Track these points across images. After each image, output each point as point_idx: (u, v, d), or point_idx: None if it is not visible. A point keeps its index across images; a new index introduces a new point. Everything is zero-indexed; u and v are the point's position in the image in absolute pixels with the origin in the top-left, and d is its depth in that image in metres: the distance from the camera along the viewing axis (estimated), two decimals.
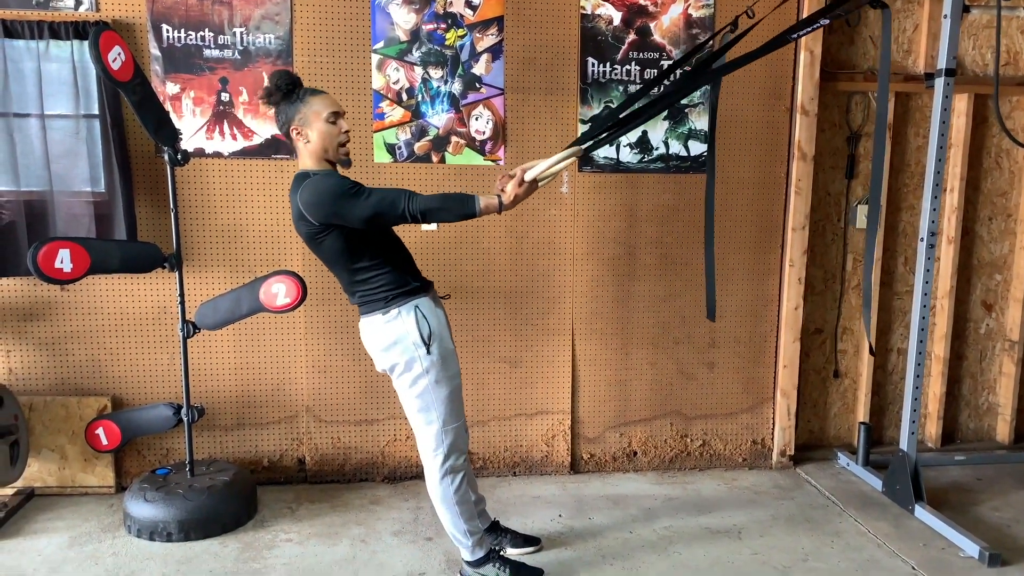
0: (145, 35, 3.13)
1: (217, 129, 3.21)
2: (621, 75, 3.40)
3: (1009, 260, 3.93)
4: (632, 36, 3.38)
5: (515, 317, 3.52)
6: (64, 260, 2.66)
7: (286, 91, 2.38)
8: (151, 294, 3.29)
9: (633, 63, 3.39)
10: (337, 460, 3.50)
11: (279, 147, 3.26)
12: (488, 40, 3.31)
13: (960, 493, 3.44)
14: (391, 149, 3.33)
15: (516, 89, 3.35)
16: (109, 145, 3.09)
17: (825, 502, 3.37)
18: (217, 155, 3.23)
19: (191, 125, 3.19)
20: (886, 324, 3.89)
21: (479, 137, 3.36)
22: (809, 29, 2.55)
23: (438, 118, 3.33)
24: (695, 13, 3.40)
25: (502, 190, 2.36)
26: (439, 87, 3.31)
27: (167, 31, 3.13)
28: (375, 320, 2.46)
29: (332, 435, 3.49)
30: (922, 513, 3.16)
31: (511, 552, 2.82)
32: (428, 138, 3.34)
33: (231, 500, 3.05)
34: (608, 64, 3.39)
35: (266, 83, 2.37)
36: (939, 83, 3.06)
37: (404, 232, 3.30)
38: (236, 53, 3.18)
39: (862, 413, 3.88)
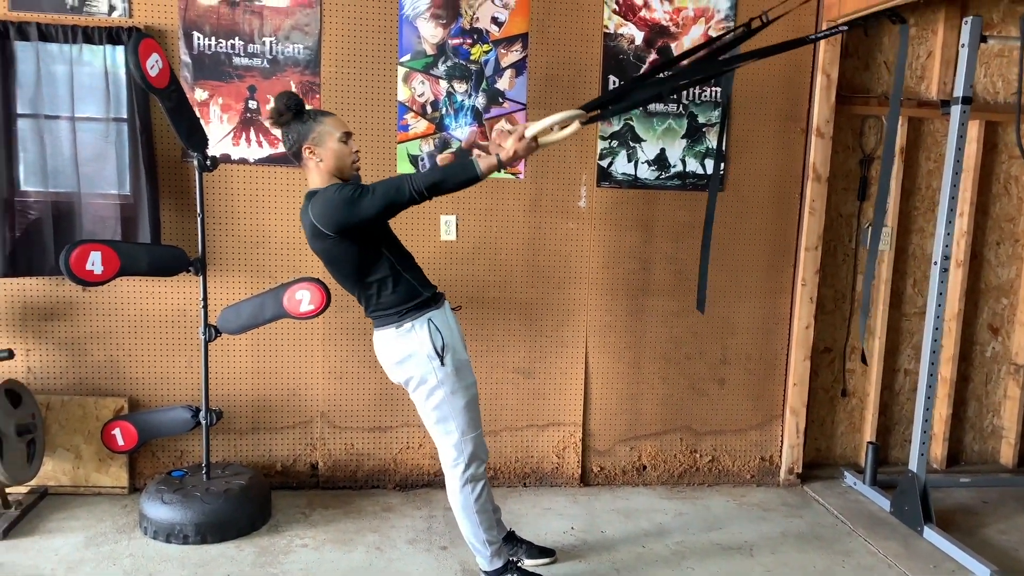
0: (176, 42, 3.18)
1: (243, 136, 3.25)
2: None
3: (1016, 285, 3.99)
4: (653, 56, 3.44)
5: (529, 328, 3.55)
6: (95, 262, 2.69)
7: (296, 111, 2.42)
8: (171, 297, 3.32)
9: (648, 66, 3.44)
10: (350, 466, 3.52)
11: None
12: (512, 56, 3.37)
13: (967, 515, 3.48)
14: (414, 160, 3.37)
15: (538, 104, 3.41)
16: (137, 149, 3.13)
17: (834, 521, 3.40)
18: (243, 161, 3.27)
19: (218, 131, 3.23)
20: (894, 345, 3.94)
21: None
22: (829, 33, 2.60)
23: (461, 131, 3.38)
24: (715, 34, 3.46)
25: (500, 146, 2.36)
26: (463, 101, 3.36)
27: (198, 38, 3.18)
28: (388, 334, 2.49)
29: (346, 441, 3.51)
30: (931, 534, 3.19)
31: (527, 563, 2.84)
32: (451, 150, 3.39)
33: (247, 504, 3.07)
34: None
35: (272, 105, 2.40)
36: (955, 110, 3.12)
37: (422, 241, 3.36)
38: (265, 62, 3.23)
39: (869, 433, 3.92)
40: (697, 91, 3.49)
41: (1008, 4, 3.71)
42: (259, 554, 2.89)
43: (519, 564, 2.74)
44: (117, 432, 3.15)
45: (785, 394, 3.77)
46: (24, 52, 3.05)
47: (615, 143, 3.48)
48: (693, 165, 3.54)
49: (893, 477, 3.64)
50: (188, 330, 3.35)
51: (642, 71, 3.43)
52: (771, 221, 3.65)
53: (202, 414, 3.13)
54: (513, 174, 3.45)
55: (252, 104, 3.24)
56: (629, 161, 3.50)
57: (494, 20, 3.34)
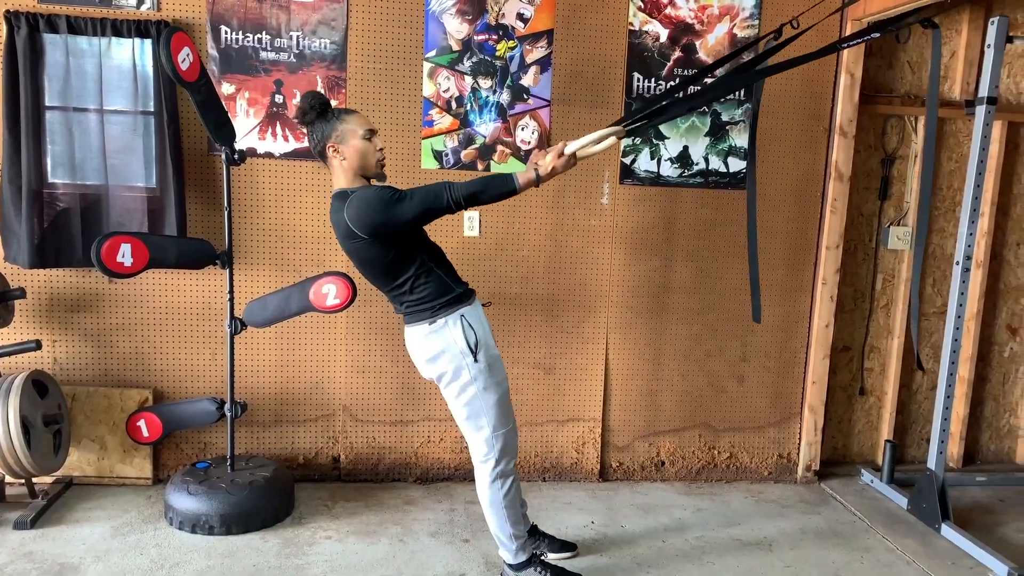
0: (204, 35, 3.19)
1: (269, 130, 3.27)
2: (666, 89, 3.46)
3: None
4: (678, 53, 3.45)
5: (551, 324, 3.57)
6: (125, 254, 2.71)
7: (320, 110, 2.44)
8: (196, 290, 3.34)
9: (678, 79, 3.46)
10: (371, 459, 3.54)
11: None
12: (537, 52, 3.38)
13: (983, 513, 3.49)
14: (438, 156, 3.39)
15: (562, 101, 3.42)
16: (164, 141, 3.15)
17: (852, 518, 3.42)
18: (268, 155, 3.29)
19: (244, 125, 3.25)
20: (912, 344, 3.95)
21: (524, 147, 3.42)
22: (859, 40, 2.60)
23: (485, 127, 3.39)
24: (740, 32, 3.47)
25: (537, 164, 2.37)
26: (488, 97, 3.37)
27: (225, 32, 3.19)
28: (421, 330, 2.50)
29: (367, 435, 3.53)
30: (949, 532, 3.21)
31: (549, 557, 2.86)
32: (475, 146, 3.40)
33: (271, 496, 3.09)
34: (653, 80, 3.45)
35: (297, 103, 2.42)
36: (980, 111, 3.12)
37: (445, 237, 3.37)
38: (292, 56, 3.24)
39: (886, 431, 3.93)
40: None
41: None
42: (283, 545, 2.92)
43: (542, 557, 2.76)
44: (142, 423, 3.18)
45: (804, 392, 3.78)
46: (53, 45, 3.07)
47: (638, 140, 3.48)
48: (716, 163, 3.55)
49: (910, 475, 3.66)
50: (213, 323, 3.37)
51: (667, 76, 3.44)
52: (792, 219, 3.66)
53: (227, 406, 3.16)
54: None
55: (278, 98, 3.25)
56: (652, 158, 3.50)
57: (519, 16, 3.35)
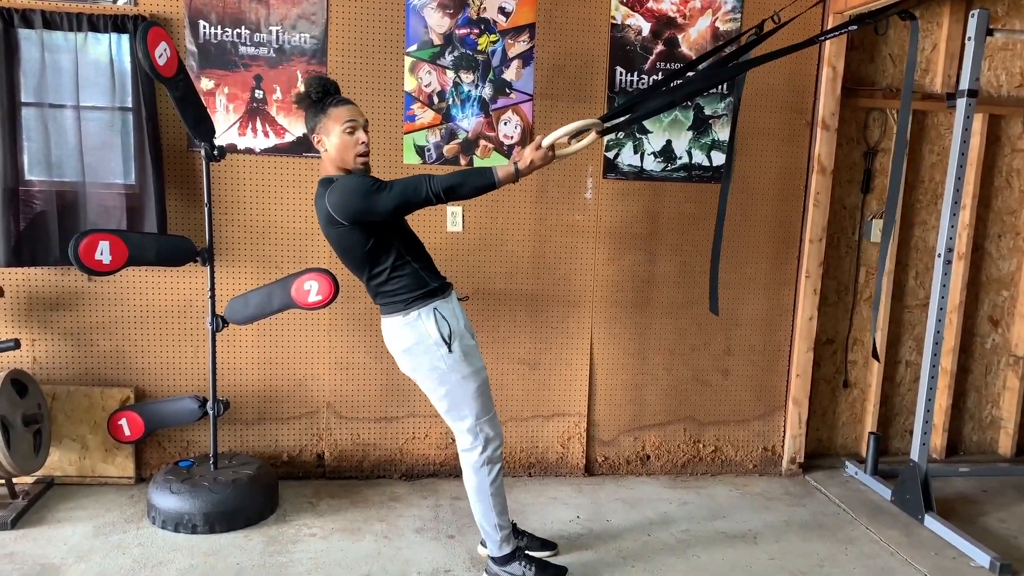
0: (182, 30, 3.15)
1: (250, 126, 3.24)
2: (648, 85, 3.45)
3: (1016, 277, 4.02)
4: (660, 47, 3.44)
5: (535, 320, 3.56)
6: (104, 252, 2.68)
7: (314, 99, 2.44)
8: (177, 287, 3.31)
9: (660, 73, 3.45)
10: (356, 456, 3.53)
11: (310, 145, 3.29)
12: (519, 46, 3.36)
13: (966, 504, 3.52)
14: (420, 151, 3.37)
15: (545, 95, 3.40)
16: (143, 138, 3.11)
17: (836, 510, 3.43)
18: (249, 151, 3.26)
19: (224, 121, 3.22)
20: (895, 336, 3.97)
21: (507, 142, 3.41)
22: (839, 32, 2.61)
23: (468, 122, 3.37)
24: (722, 26, 3.46)
25: (517, 156, 2.39)
26: (470, 91, 3.36)
27: (204, 27, 3.16)
28: (395, 322, 2.51)
29: (352, 431, 3.52)
30: (932, 523, 3.23)
31: (532, 555, 2.85)
32: (457, 141, 3.38)
33: (255, 494, 3.07)
34: (636, 74, 3.44)
35: (300, 86, 2.42)
36: (961, 103, 3.13)
37: (428, 232, 3.36)
38: (271, 51, 3.21)
39: (870, 423, 3.95)
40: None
41: None
42: (268, 543, 2.91)
43: (526, 552, 2.76)
44: (123, 422, 3.16)
45: (788, 385, 3.80)
46: (28, 40, 3.03)
47: (621, 135, 3.48)
48: (699, 157, 3.55)
49: (894, 467, 3.68)
50: (194, 320, 3.34)
51: (649, 70, 3.43)
52: (775, 213, 3.66)
53: (209, 404, 3.14)
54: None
55: (258, 94, 3.23)
56: (635, 153, 3.50)
57: (501, 10, 3.33)
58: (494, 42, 3.35)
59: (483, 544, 2.78)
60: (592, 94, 3.43)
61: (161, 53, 2.61)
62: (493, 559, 2.67)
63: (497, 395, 3.56)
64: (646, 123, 3.48)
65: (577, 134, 2.42)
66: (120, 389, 3.33)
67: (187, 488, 2.98)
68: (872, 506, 3.46)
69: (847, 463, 3.85)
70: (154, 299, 3.31)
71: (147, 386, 3.37)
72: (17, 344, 3.07)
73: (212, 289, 3.06)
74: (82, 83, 3.07)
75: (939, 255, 3.27)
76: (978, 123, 3.79)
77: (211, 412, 3.14)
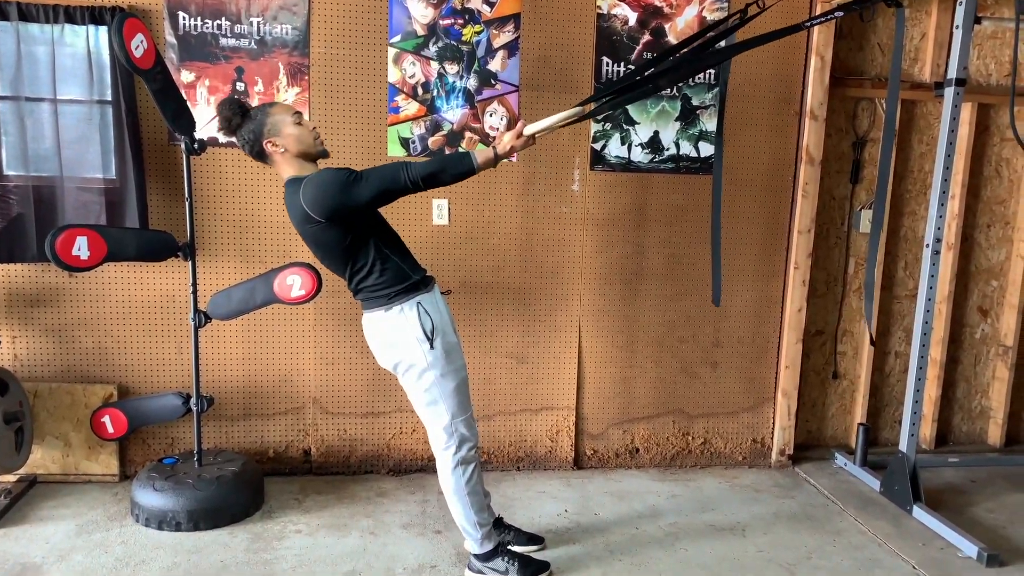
0: (161, 22, 3.11)
1: None
2: (628, 72, 3.41)
3: (1005, 267, 4.01)
4: (647, 37, 3.41)
5: (523, 313, 3.54)
6: (81, 247, 2.64)
7: (243, 113, 2.41)
8: (159, 282, 3.27)
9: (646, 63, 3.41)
10: (343, 452, 3.51)
11: None
12: (504, 37, 3.32)
13: (955, 495, 3.52)
14: (405, 143, 3.33)
15: (531, 86, 3.37)
16: (122, 132, 3.07)
17: (825, 501, 3.43)
18: (231, 145, 3.22)
19: (205, 114, 3.17)
20: (884, 327, 3.96)
21: (493, 133, 3.37)
22: (824, 19, 2.57)
23: (453, 113, 3.34)
24: (709, 15, 3.43)
25: (498, 141, 2.39)
26: (454, 82, 3.32)
27: (183, 18, 3.11)
28: (377, 317, 2.48)
29: (338, 427, 3.49)
30: (920, 514, 3.22)
31: (516, 550, 2.83)
32: (442, 133, 3.35)
33: (240, 490, 3.05)
34: (622, 64, 3.41)
35: (217, 115, 2.41)
36: (948, 92, 3.11)
37: (414, 225, 3.33)
38: (253, 43, 3.17)
39: (860, 414, 3.94)
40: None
41: None
42: (252, 540, 2.88)
43: (508, 547, 2.74)
44: (107, 419, 3.12)
45: (777, 377, 3.78)
46: (3, 32, 2.98)
47: (608, 126, 3.45)
48: (687, 148, 3.52)
49: (883, 458, 3.68)
50: (177, 316, 3.31)
51: (636, 60, 3.40)
52: (764, 204, 3.64)
53: (193, 400, 3.10)
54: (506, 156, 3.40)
55: (240, 86, 3.18)
56: (623, 144, 3.47)
57: (486, 0, 3.29)
58: (479, 32, 3.31)
59: None
60: (578, 85, 3.40)
61: (138, 45, 2.57)
62: (475, 556, 2.66)
63: (485, 389, 3.54)
64: (633, 114, 3.45)
65: (562, 126, 2.40)
66: (103, 386, 3.30)
67: (171, 486, 2.95)
68: (861, 497, 3.46)
69: (836, 454, 3.84)
70: (136, 295, 3.27)
71: (130, 382, 3.34)
72: None
73: (194, 284, 3.03)
74: (59, 76, 3.02)
75: (927, 245, 3.25)
76: (967, 112, 3.76)
77: (195, 408, 3.11)
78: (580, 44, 3.39)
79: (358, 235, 2.39)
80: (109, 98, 3.08)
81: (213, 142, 3.20)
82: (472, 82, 3.33)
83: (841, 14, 2.50)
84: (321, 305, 3.38)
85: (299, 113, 2.45)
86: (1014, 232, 3.96)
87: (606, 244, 3.55)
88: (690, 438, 3.77)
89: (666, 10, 3.40)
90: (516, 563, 2.65)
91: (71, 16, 2.98)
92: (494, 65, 3.34)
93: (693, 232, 3.60)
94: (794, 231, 3.65)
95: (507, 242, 3.47)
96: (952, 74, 3.09)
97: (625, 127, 3.46)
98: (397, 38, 3.26)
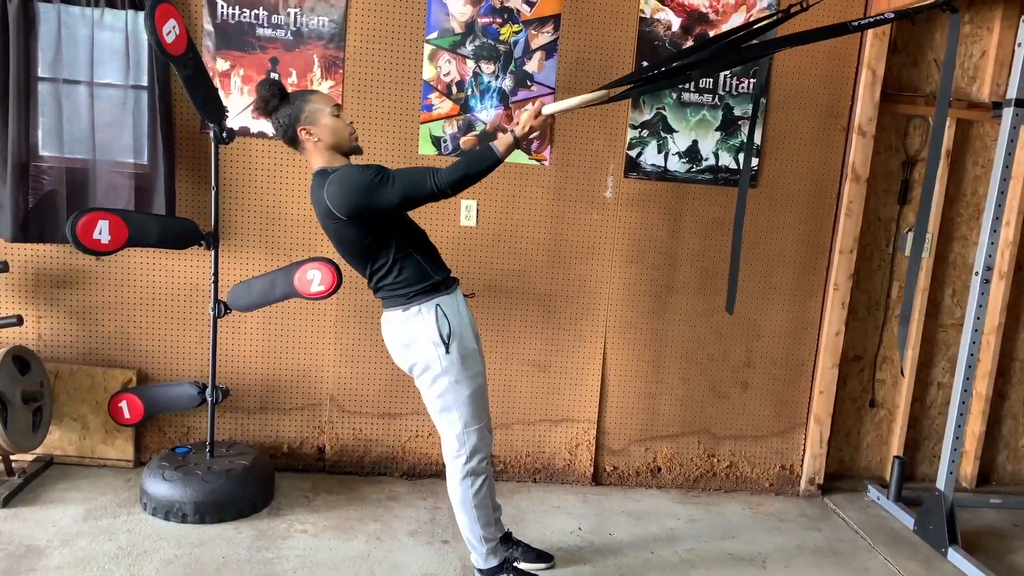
0: (200, 9, 3.10)
1: None
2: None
3: None
4: (690, 43, 3.30)
5: (547, 321, 3.45)
6: (103, 231, 2.63)
7: (282, 95, 2.36)
8: (184, 270, 3.26)
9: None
10: (357, 452, 3.45)
11: None
12: (543, 38, 3.25)
13: (995, 538, 3.32)
14: (436, 142, 3.27)
15: (568, 89, 3.28)
16: (155, 118, 3.07)
17: (853, 536, 3.26)
18: (262, 135, 3.20)
19: (238, 103, 3.16)
20: (928, 357, 3.77)
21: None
22: (872, 21, 2.42)
23: (486, 113, 3.27)
24: None
25: (516, 122, 2.35)
26: (490, 82, 3.25)
27: (222, 7, 3.10)
28: (395, 316, 2.42)
29: (354, 426, 3.44)
30: (955, 557, 3.04)
31: (523, 567, 2.73)
32: (474, 133, 3.28)
33: (249, 485, 3.01)
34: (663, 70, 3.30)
35: (257, 95, 2.37)
36: (1007, 113, 2.94)
37: (441, 225, 3.27)
38: (288, 34, 3.14)
39: (896, 446, 3.76)
40: (734, 82, 3.34)
41: None
42: (257, 537, 2.84)
43: (516, 565, 2.65)
44: (124, 405, 3.11)
45: (810, 402, 3.63)
46: (47, 14, 3.00)
47: (645, 133, 3.34)
48: (726, 159, 3.40)
49: (919, 494, 3.50)
50: (199, 305, 3.29)
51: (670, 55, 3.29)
52: (805, 221, 3.50)
53: (208, 391, 3.08)
54: (538, 160, 3.33)
55: (274, 76, 3.16)
56: (659, 152, 3.36)
57: (526, 0, 3.22)
58: (517, 32, 3.24)
59: None
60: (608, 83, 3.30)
61: (170, 31, 2.55)
62: (480, 571, 2.57)
63: (505, 397, 3.45)
64: (672, 122, 3.34)
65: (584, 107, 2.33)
66: (123, 371, 3.29)
67: (180, 476, 2.92)
68: (892, 534, 3.28)
69: (869, 487, 3.67)
70: (160, 281, 3.27)
71: (150, 369, 3.33)
72: (20, 320, 3.04)
73: (216, 274, 3.00)
74: (97, 59, 3.03)
75: (976, 273, 3.08)
76: None
77: (209, 399, 3.08)
78: (620, 48, 3.29)
79: (380, 234, 2.34)
80: (145, 83, 3.08)
81: (244, 131, 3.18)
82: (508, 83, 3.26)
83: (893, 17, 2.36)
84: (343, 301, 3.33)
85: (338, 105, 2.40)
86: None
87: (637, 254, 3.44)
88: (715, 460, 3.63)
89: (711, 16, 3.29)
90: None
91: (111, 0, 2.99)
92: (531, 66, 3.26)
93: (728, 246, 3.46)
94: (835, 250, 3.50)
95: (535, 247, 3.39)
96: (1012, 94, 2.92)
97: (663, 135, 3.36)
98: (434, 35, 3.21)
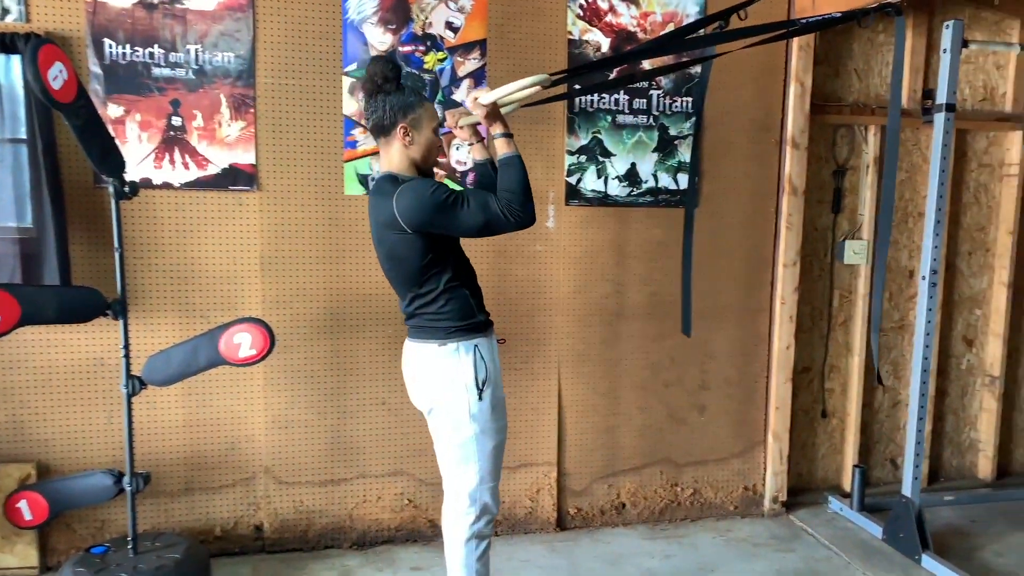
0: (84, 50, 2.75)
1: (167, 157, 2.85)
2: (609, 104, 3.21)
3: (987, 295, 3.90)
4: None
5: None
6: None
7: (398, 81, 2.18)
8: (85, 344, 2.87)
9: (622, 92, 3.20)
10: (300, 526, 3.12)
11: (237, 177, 2.91)
12: (470, 64, 3.07)
13: (959, 537, 3.33)
14: (363, 180, 3.03)
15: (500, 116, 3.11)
16: (39, 174, 2.69)
17: (827, 554, 3.20)
18: (166, 186, 2.87)
19: (137, 152, 2.82)
20: (871, 361, 3.79)
21: (460, 168, 3.10)
22: (818, 20, 2.38)
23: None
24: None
25: (494, 128, 2.23)
26: None
27: (110, 46, 2.76)
28: (428, 350, 2.21)
29: (294, 498, 3.12)
30: (930, 563, 3.02)
31: None
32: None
33: None
34: (596, 93, 3.19)
35: (373, 70, 2.16)
36: (939, 118, 2.98)
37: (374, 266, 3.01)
38: (190, 72, 2.83)
39: (851, 454, 3.75)
40: (667, 101, 3.26)
41: (973, 10, 3.62)
42: None
43: None
44: (23, 504, 2.69)
45: (767, 419, 3.57)
46: None
47: (583, 158, 3.21)
48: (666, 180, 3.31)
49: (879, 499, 3.50)
50: (107, 381, 2.90)
51: (599, 59, 3.18)
52: (747, 237, 3.45)
53: (126, 479, 2.70)
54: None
55: (176, 120, 2.84)
56: (599, 177, 3.24)
57: (449, 25, 3.04)
58: (442, 60, 3.05)
59: None
60: (550, 116, 3.16)
61: (56, 75, 2.21)
62: None
63: None
64: (609, 146, 3.23)
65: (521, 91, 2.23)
66: (19, 465, 2.86)
67: None
68: (864, 546, 3.24)
69: (831, 498, 3.63)
70: (58, 359, 2.86)
71: (52, 460, 2.91)
72: None
73: (126, 346, 2.64)
74: None
75: (924, 277, 3.09)
76: None
77: (128, 488, 2.70)
78: (550, 71, 3.14)
79: (438, 257, 2.16)
80: (23, 136, 2.70)
81: (146, 183, 2.84)
82: None
83: (839, 16, 2.31)
84: (272, 362, 3.02)
85: (441, 125, 2.29)
86: (995, 259, 3.87)
87: (584, 283, 3.29)
88: (679, 489, 3.51)
89: (640, 35, 3.21)
90: None
91: None
92: (459, 95, 3.07)
93: (674, 268, 3.37)
94: (779, 264, 3.46)
95: (479, 283, 3.17)
96: (942, 99, 2.96)
97: (601, 159, 3.23)
98: (353, 66, 2.98)
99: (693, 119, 3.29)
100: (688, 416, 3.49)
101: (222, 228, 2.94)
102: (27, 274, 2.72)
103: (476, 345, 2.22)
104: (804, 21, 2.35)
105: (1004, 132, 3.76)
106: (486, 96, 2.21)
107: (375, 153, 3.02)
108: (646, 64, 3.07)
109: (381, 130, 2.19)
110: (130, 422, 2.68)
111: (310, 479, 3.13)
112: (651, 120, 3.26)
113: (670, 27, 3.22)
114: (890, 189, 2.47)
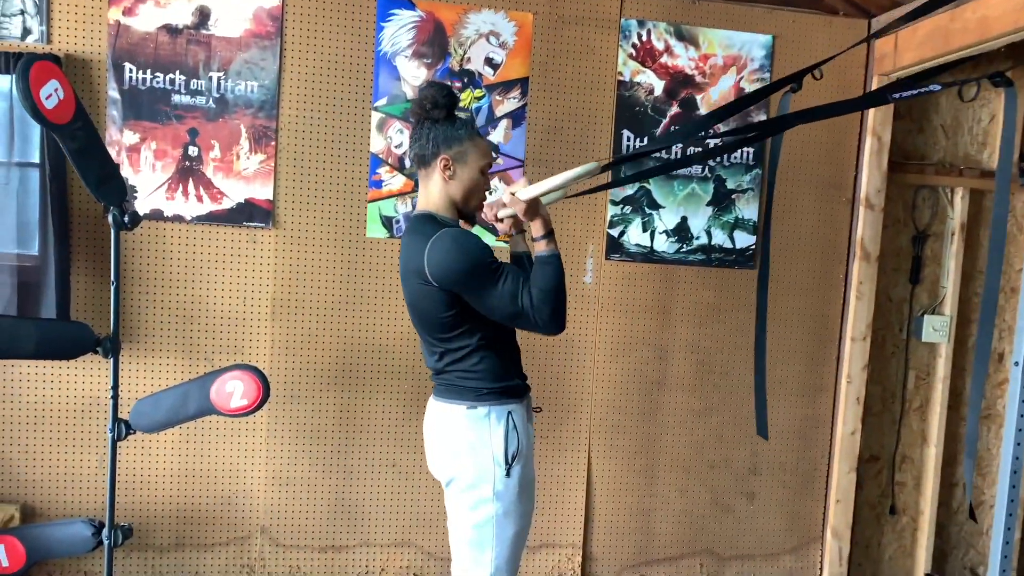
0: (104, 74, 2.64)
1: (180, 188, 2.69)
2: (660, 151, 2.92)
3: None
4: (675, 109, 2.92)
5: None
6: None
7: (449, 111, 1.95)
8: (81, 382, 2.71)
9: (675, 129, 2.92)
10: None
11: (252, 213, 2.74)
12: (509, 104, 2.85)
13: None
14: (387, 223, 2.81)
15: (538, 161, 2.87)
16: (47, 200, 2.56)
17: None
18: (178, 219, 2.70)
19: (150, 182, 2.67)
20: (951, 454, 3.33)
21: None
22: (915, 92, 2.07)
23: None
24: (748, 87, 2.95)
25: (536, 230, 1.96)
26: None
27: (130, 71, 2.64)
28: (455, 412, 1.96)
29: (291, 562, 2.86)
30: None
31: None
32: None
33: None
34: (646, 139, 2.92)
35: (425, 93, 1.94)
36: None
37: (398, 321, 2.78)
38: (211, 101, 2.69)
39: (923, 559, 3.27)
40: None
41: None
42: None
43: None
44: (1, 550, 2.50)
45: (826, 512, 3.15)
46: None
47: (628, 209, 2.93)
48: (720, 237, 2.99)
49: None
50: (101, 423, 2.73)
51: (662, 135, 2.90)
52: (810, 305, 3.09)
53: (105, 532, 2.48)
54: (505, 241, 2.87)
55: (192, 151, 2.69)
56: (644, 230, 2.95)
57: (488, 62, 2.83)
58: (479, 98, 2.84)
59: None
60: (594, 160, 2.89)
61: (50, 94, 2.06)
62: None
63: None
64: (657, 197, 2.94)
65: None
66: (2, 506, 2.68)
67: None
68: None
69: None
70: (51, 396, 2.70)
71: (38, 503, 2.73)
72: None
73: (115, 387, 2.44)
74: None
75: (1016, 363, 2.68)
76: None
77: (106, 541, 2.48)
78: (597, 115, 2.90)
79: (467, 314, 1.91)
80: (35, 160, 2.58)
81: (156, 215, 2.69)
82: None
83: (939, 88, 2.00)
84: (276, 413, 2.79)
85: (491, 165, 2.03)
86: None
87: (623, 347, 2.98)
88: None
89: (698, 79, 2.93)
90: None
91: None
92: (496, 136, 2.85)
93: (726, 335, 3.03)
94: (846, 338, 3.08)
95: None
96: None
97: (648, 211, 2.94)
98: (383, 101, 2.79)
99: (755, 172, 2.98)
100: (735, 503, 3.10)
101: (234, 266, 2.76)
102: (23, 305, 2.58)
103: (510, 412, 1.95)
104: (896, 96, 2.04)
105: None
106: (525, 192, 1.94)
107: (402, 193, 2.81)
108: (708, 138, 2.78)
109: (422, 160, 1.97)
110: (113, 468, 2.46)
111: (309, 543, 2.86)
112: (706, 171, 2.96)
113: (732, 71, 2.94)
114: (996, 262, 2.10)
